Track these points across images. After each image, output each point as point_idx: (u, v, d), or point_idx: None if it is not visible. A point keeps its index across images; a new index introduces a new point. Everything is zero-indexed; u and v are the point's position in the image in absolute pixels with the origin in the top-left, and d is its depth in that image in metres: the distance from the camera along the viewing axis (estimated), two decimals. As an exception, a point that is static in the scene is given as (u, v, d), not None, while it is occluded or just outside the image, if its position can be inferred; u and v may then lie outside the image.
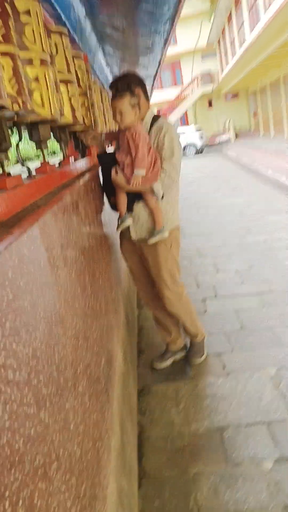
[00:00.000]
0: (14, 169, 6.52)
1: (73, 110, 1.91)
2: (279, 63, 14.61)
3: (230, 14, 17.68)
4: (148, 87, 6.74)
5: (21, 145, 1.58)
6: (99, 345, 1.46)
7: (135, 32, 3.46)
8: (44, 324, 0.88)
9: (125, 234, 2.33)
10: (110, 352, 1.67)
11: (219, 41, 21.96)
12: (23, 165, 1.52)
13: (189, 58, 23.83)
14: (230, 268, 4.05)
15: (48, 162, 1.61)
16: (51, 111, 1.43)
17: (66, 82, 1.86)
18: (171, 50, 16.44)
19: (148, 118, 2.16)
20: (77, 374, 1.07)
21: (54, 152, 13.24)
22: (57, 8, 2.40)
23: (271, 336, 2.68)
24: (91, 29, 3.27)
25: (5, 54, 1.16)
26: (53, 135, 1.86)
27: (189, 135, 19.99)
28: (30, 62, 1.36)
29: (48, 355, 0.87)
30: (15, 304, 0.73)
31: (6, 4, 1.13)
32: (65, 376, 0.96)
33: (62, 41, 1.82)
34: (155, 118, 2.16)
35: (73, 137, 2.44)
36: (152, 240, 2.18)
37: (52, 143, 1.97)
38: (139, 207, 2.18)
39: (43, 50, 1.40)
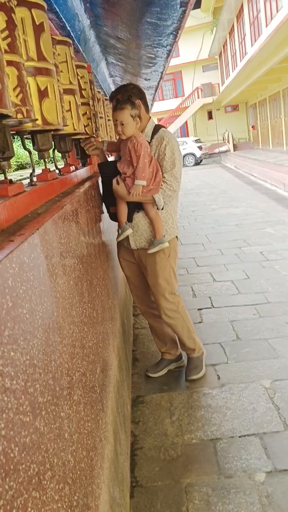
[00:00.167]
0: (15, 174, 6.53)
1: (75, 119, 1.93)
2: (279, 78, 14.79)
3: (232, 27, 17.96)
4: (150, 98, 6.80)
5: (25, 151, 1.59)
6: (95, 353, 1.46)
7: (139, 43, 3.50)
8: (42, 332, 0.88)
9: (123, 243, 2.34)
10: (106, 360, 1.67)
11: (220, 54, 22.27)
12: (34, 171, 1.53)
13: (190, 70, 24.13)
14: (227, 278, 4.07)
15: (49, 169, 1.62)
16: (57, 120, 1.44)
17: (69, 91, 1.88)
18: (172, 61, 16.63)
19: (149, 129, 2.19)
20: (72, 382, 1.07)
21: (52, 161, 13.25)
22: (63, 18, 2.43)
23: (266, 347, 2.69)
24: (95, 40, 3.31)
25: (10, 63, 1.18)
26: (55, 144, 1.87)
27: (188, 146, 20.23)
28: (39, 72, 1.38)
29: (45, 363, 0.87)
30: (14, 312, 0.74)
31: (13, 15, 1.15)
32: (61, 385, 0.96)
33: (66, 51, 1.84)
34: (156, 128, 2.19)
35: (75, 146, 2.45)
36: (153, 250, 2.19)
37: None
38: (139, 216, 2.20)
39: (50, 59, 1.42)
